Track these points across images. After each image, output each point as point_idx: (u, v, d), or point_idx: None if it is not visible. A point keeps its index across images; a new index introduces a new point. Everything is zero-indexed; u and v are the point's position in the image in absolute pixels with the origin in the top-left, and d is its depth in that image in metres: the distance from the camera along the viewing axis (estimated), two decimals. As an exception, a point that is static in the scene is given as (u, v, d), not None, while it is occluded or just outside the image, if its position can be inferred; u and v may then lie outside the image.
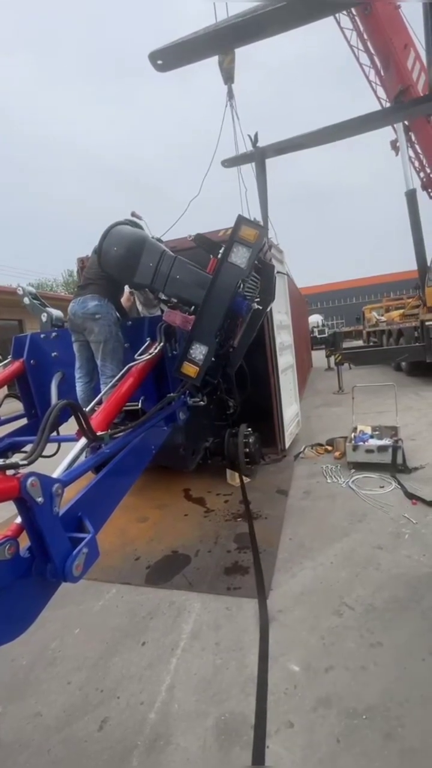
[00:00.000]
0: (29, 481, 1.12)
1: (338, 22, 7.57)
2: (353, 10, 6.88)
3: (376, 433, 4.33)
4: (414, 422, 5.38)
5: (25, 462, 1.19)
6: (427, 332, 7.88)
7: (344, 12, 7.02)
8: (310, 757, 1.38)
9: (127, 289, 3.31)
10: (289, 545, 2.76)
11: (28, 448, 1.36)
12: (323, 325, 27.14)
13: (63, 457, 1.69)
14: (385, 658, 1.74)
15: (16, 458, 1.18)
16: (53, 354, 3.21)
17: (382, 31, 6.73)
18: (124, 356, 2.74)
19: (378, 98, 8.02)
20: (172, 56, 3.55)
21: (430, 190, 8.55)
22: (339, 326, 31.82)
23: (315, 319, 25.99)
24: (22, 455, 1.26)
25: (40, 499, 1.15)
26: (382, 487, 3.48)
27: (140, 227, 2.93)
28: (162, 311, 3.08)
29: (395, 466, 3.74)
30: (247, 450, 3.79)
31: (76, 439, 1.78)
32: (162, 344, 2.55)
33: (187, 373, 2.47)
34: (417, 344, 8.36)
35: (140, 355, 2.54)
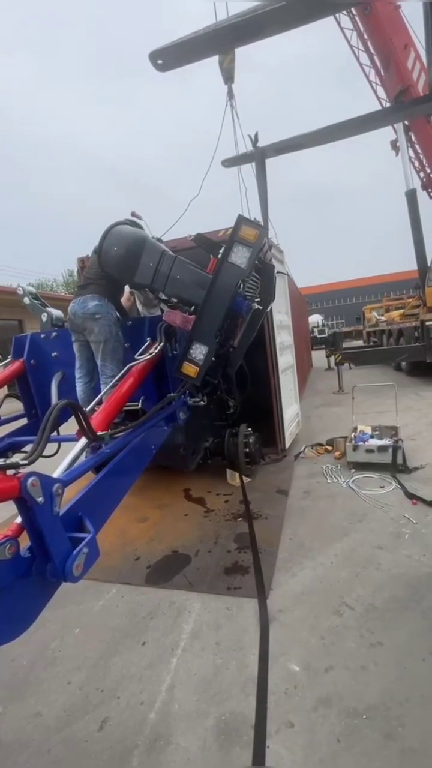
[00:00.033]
0: (29, 480, 1.12)
1: (338, 22, 7.57)
2: (353, 10, 6.88)
3: (377, 433, 4.33)
4: (414, 422, 5.38)
5: (25, 462, 1.19)
6: (427, 332, 7.88)
7: (344, 12, 7.02)
8: (310, 757, 1.38)
9: (127, 289, 3.31)
10: (290, 545, 2.76)
11: (28, 448, 1.36)
12: (323, 325, 27.14)
13: (63, 457, 1.69)
14: (385, 657, 1.74)
15: (17, 458, 1.18)
16: (53, 354, 3.21)
17: (382, 31, 6.73)
18: (124, 356, 2.74)
19: (378, 98, 8.02)
20: (173, 56, 3.55)
21: (430, 189, 8.54)
22: (339, 326, 31.83)
23: (315, 319, 26.00)
24: (23, 455, 1.26)
25: (40, 499, 1.15)
26: (383, 487, 3.48)
27: (140, 227, 2.92)
28: (162, 311, 3.08)
29: (395, 466, 3.74)
30: (248, 450, 3.79)
31: (76, 439, 1.78)
32: (162, 344, 2.55)
33: (187, 373, 2.47)
34: (417, 344, 8.35)
35: (140, 355, 2.54)
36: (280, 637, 1.94)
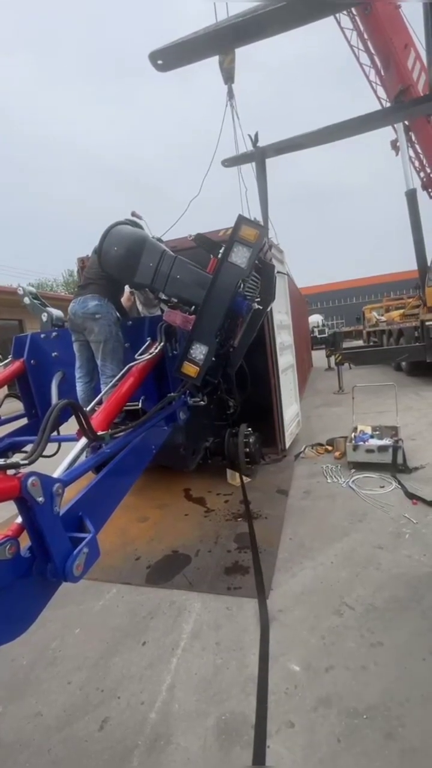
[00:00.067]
0: (30, 480, 1.12)
1: (338, 22, 7.57)
2: (353, 9, 6.88)
3: (377, 432, 4.33)
4: (414, 422, 5.38)
5: (25, 462, 1.19)
6: (427, 332, 7.88)
7: (344, 12, 7.02)
8: (310, 757, 1.38)
9: (127, 288, 3.31)
10: (290, 545, 2.76)
11: (28, 447, 1.36)
12: (323, 325, 27.16)
13: (63, 456, 1.69)
14: (385, 657, 1.74)
15: (17, 458, 1.18)
16: (53, 354, 3.21)
17: (382, 31, 6.73)
18: (124, 356, 2.74)
19: (378, 98, 8.02)
20: (173, 56, 3.56)
21: (430, 189, 8.54)
22: (339, 326, 31.82)
23: (315, 319, 26.01)
24: (23, 455, 1.26)
25: (40, 499, 1.15)
26: (383, 486, 3.48)
27: (140, 227, 2.92)
28: (162, 311, 3.08)
29: (395, 466, 3.74)
30: (248, 450, 3.79)
31: (76, 439, 1.78)
32: (162, 344, 2.56)
33: (187, 372, 2.46)
34: (417, 344, 8.35)
35: (140, 354, 2.54)
36: (280, 637, 1.94)
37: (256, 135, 4.01)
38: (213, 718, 1.58)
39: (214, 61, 5.23)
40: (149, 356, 2.48)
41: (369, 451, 3.91)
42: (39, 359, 3.23)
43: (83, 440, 1.72)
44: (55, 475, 1.41)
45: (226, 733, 1.51)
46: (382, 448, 3.86)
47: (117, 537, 3.08)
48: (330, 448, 4.62)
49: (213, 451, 3.93)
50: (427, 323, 7.91)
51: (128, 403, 2.40)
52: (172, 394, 2.54)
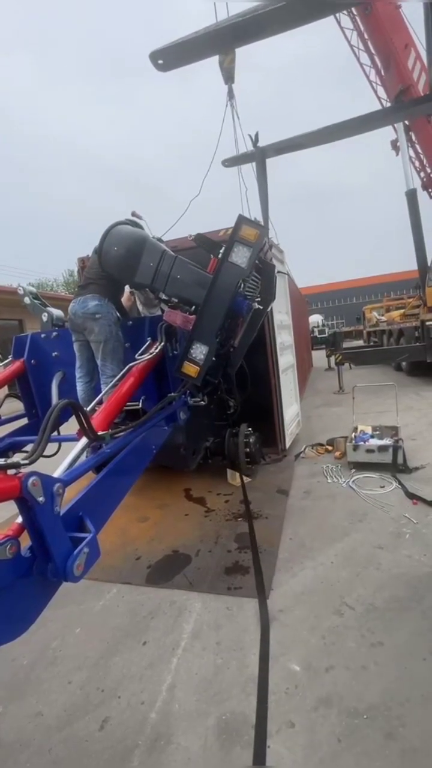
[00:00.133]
0: (30, 480, 1.12)
1: (338, 22, 7.57)
2: (353, 9, 6.88)
3: (377, 432, 4.33)
4: (414, 422, 5.37)
5: (26, 462, 1.19)
6: (427, 332, 7.88)
7: (344, 12, 7.02)
8: (311, 757, 1.38)
9: (127, 288, 3.31)
10: (290, 545, 2.76)
11: (28, 447, 1.36)
12: (323, 325, 27.15)
13: (64, 456, 1.69)
14: (385, 657, 1.74)
15: (17, 458, 1.18)
16: (54, 354, 3.21)
17: (382, 31, 6.73)
18: (124, 356, 2.74)
19: (378, 98, 8.02)
20: (173, 56, 3.56)
21: (430, 189, 8.54)
22: (339, 326, 31.83)
23: (315, 319, 26.01)
24: (23, 455, 1.26)
25: (41, 499, 1.15)
26: (383, 486, 3.48)
27: (141, 227, 2.92)
28: (162, 311, 3.08)
29: (396, 466, 3.74)
30: (248, 450, 3.79)
31: (76, 439, 1.78)
32: (162, 344, 2.56)
33: (187, 372, 2.47)
34: (417, 344, 8.35)
35: (141, 354, 2.54)
36: (280, 636, 1.94)
37: (256, 135, 4.01)
38: (213, 717, 1.58)
39: (214, 61, 5.22)
40: (149, 356, 2.48)
41: (369, 451, 3.91)
42: (39, 359, 3.23)
43: (83, 440, 1.72)
44: (56, 475, 1.41)
45: (227, 732, 1.51)
46: (382, 448, 3.86)
47: (117, 537, 3.08)
48: (330, 448, 4.62)
49: (213, 451, 3.93)
50: (428, 323, 7.91)
51: (128, 403, 2.40)
52: (173, 394, 2.54)
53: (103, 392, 2.56)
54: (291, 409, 4.97)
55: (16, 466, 1.14)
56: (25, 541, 1.20)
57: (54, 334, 3.24)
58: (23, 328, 12.36)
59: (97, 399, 2.43)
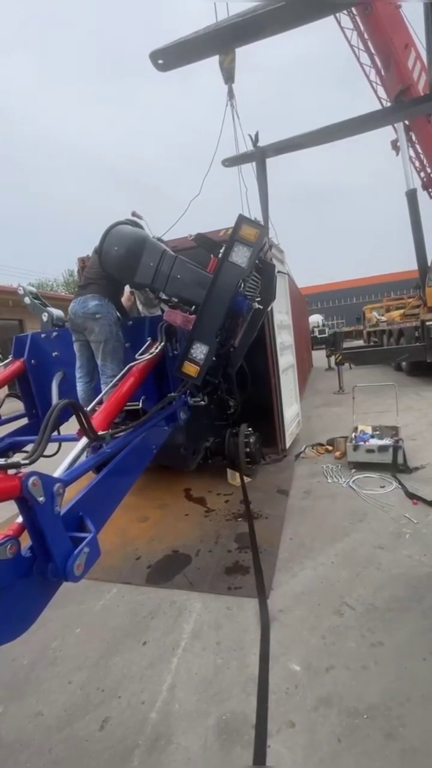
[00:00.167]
0: (31, 480, 1.12)
1: (338, 22, 7.58)
2: (353, 9, 6.89)
3: (377, 432, 4.33)
4: (414, 422, 5.37)
5: (26, 461, 1.19)
6: (427, 332, 7.88)
7: (344, 11, 7.03)
8: (311, 757, 1.38)
9: (127, 288, 3.31)
10: (290, 545, 2.76)
11: (29, 447, 1.36)
12: (323, 325, 27.15)
13: (64, 456, 1.69)
14: (385, 657, 1.74)
15: (18, 458, 1.18)
16: (54, 354, 3.21)
17: (382, 31, 6.74)
18: (124, 356, 2.74)
19: (378, 98, 8.03)
20: (173, 56, 3.57)
21: (430, 189, 8.55)
22: (339, 326, 31.83)
23: (315, 319, 26.00)
24: (24, 455, 1.26)
25: (41, 499, 1.15)
26: (383, 486, 3.48)
27: (141, 227, 2.92)
28: (162, 311, 3.08)
29: (396, 466, 3.74)
30: (248, 450, 3.79)
31: (77, 439, 1.78)
32: (163, 344, 2.56)
33: (188, 372, 2.47)
34: (417, 344, 8.36)
35: (141, 354, 2.54)
36: (280, 636, 1.94)
37: (256, 135, 4.02)
38: (213, 717, 1.58)
39: (214, 61, 5.22)
40: (150, 356, 2.48)
41: (369, 451, 3.91)
42: (39, 359, 3.24)
43: (84, 440, 1.72)
44: (56, 474, 1.41)
45: (227, 732, 1.51)
46: (382, 448, 3.86)
47: (117, 537, 3.08)
48: (330, 448, 4.62)
49: (213, 451, 3.92)
50: (428, 323, 7.91)
51: (129, 403, 2.40)
52: (173, 393, 2.54)
53: (103, 392, 2.55)
54: (291, 409, 4.97)
55: (17, 465, 1.14)
56: (26, 541, 1.19)
57: (54, 334, 3.24)
58: (23, 328, 12.37)
59: (98, 399, 2.43)
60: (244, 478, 3.73)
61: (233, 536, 2.94)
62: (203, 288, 2.47)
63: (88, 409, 2.11)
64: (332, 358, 10.05)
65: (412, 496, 3.18)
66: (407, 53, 6.71)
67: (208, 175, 5.09)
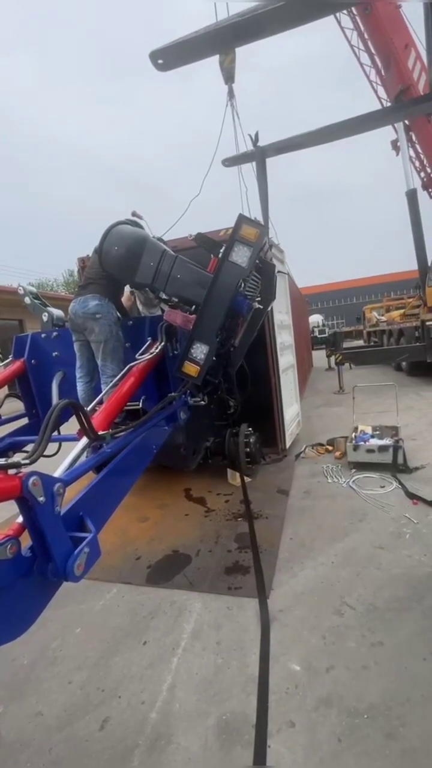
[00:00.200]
0: (31, 480, 1.12)
1: (339, 22, 7.58)
2: (353, 9, 6.90)
3: (377, 432, 4.33)
4: (415, 422, 5.37)
5: (26, 461, 1.19)
6: (427, 332, 7.88)
7: (344, 11, 7.03)
8: (311, 757, 1.38)
9: (127, 288, 3.31)
10: (290, 545, 2.76)
11: (29, 447, 1.36)
12: (324, 325, 27.15)
13: (64, 456, 1.69)
14: (386, 657, 1.74)
15: (18, 458, 1.18)
16: (54, 354, 3.21)
17: (382, 31, 6.74)
18: (124, 356, 2.74)
19: (378, 98, 8.03)
20: (173, 56, 3.57)
21: (430, 189, 8.55)
22: (339, 326, 31.83)
23: (315, 319, 26.01)
24: (24, 455, 1.26)
25: (41, 499, 1.15)
26: (383, 486, 3.48)
27: (141, 227, 2.92)
28: (162, 311, 3.08)
29: (396, 466, 3.74)
30: (248, 450, 3.79)
31: (77, 439, 1.78)
32: (163, 344, 2.56)
33: (188, 372, 2.47)
34: (417, 344, 8.36)
35: (141, 354, 2.54)
36: (280, 636, 1.94)
37: (256, 135, 4.02)
38: (214, 717, 1.58)
39: (214, 60, 5.23)
40: (150, 356, 2.48)
41: (369, 451, 3.91)
42: (39, 359, 3.23)
43: (84, 440, 1.72)
44: (56, 474, 1.41)
45: (227, 732, 1.51)
46: (382, 448, 3.86)
47: (117, 537, 3.08)
48: (330, 448, 4.62)
49: (213, 450, 3.92)
50: (428, 323, 7.92)
51: (129, 403, 2.40)
52: (173, 393, 2.54)
53: (103, 392, 2.55)
54: (291, 409, 4.97)
55: (17, 465, 1.14)
56: (26, 541, 1.19)
57: (54, 334, 3.24)
58: (23, 328, 12.37)
59: (98, 399, 2.43)
60: (244, 478, 3.73)
61: (233, 536, 2.94)
62: (203, 288, 2.47)
63: (89, 409, 2.11)
64: (332, 358, 10.05)
65: (412, 496, 3.18)
66: (407, 53, 6.72)
67: (208, 175, 5.10)
